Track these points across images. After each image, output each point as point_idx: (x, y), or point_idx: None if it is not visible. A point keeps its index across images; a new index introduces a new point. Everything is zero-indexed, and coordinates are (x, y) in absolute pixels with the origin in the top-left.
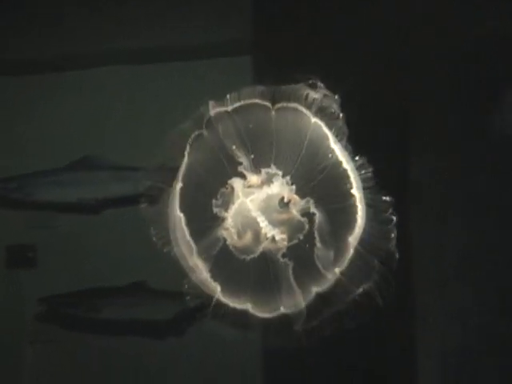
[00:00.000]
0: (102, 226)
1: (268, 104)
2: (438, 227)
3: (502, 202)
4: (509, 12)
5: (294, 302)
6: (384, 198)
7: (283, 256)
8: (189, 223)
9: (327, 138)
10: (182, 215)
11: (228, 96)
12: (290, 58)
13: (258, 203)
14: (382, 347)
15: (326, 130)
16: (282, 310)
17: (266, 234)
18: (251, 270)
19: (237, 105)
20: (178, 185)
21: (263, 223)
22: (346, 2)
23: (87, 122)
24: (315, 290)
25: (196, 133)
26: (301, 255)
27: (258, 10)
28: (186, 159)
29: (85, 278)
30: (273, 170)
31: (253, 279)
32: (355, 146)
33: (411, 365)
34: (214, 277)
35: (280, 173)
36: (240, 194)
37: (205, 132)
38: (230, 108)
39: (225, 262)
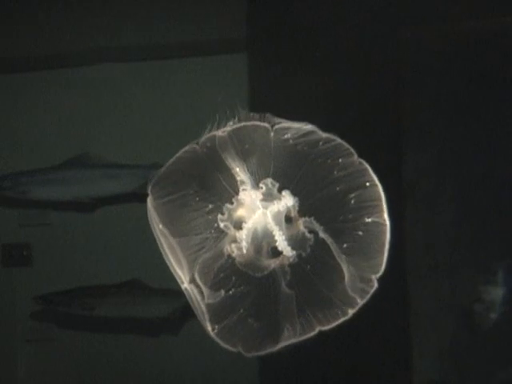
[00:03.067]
0: (97, 224)
1: (267, 125)
2: (430, 221)
3: (491, 195)
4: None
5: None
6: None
7: (287, 285)
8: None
9: (351, 154)
10: (165, 230)
11: (226, 117)
12: (284, 55)
13: (273, 215)
14: (375, 339)
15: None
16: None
17: (268, 249)
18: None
19: (235, 126)
20: (151, 198)
21: (280, 237)
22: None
23: (82, 121)
24: (319, 328)
25: (187, 147)
26: (305, 285)
27: (253, 7)
28: (164, 170)
29: (79, 276)
30: (270, 181)
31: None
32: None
33: (405, 358)
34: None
35: (276, 184)
36: (259, 205)
37: (197, 147)
38: (227, 129)
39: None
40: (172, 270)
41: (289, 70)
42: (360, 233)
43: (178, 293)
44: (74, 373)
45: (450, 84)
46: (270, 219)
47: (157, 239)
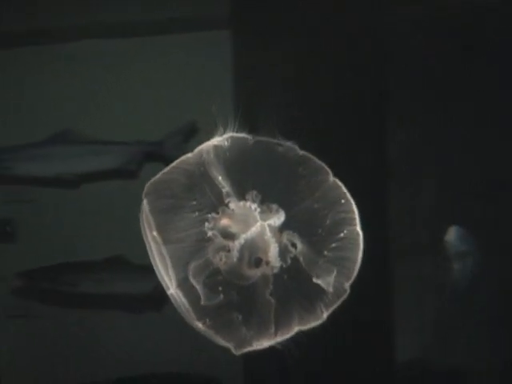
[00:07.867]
0: (81, 201)
1: (249, 137)
2: (413, 199)
3: (472, 173)
4: None
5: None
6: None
7: (270, 294)
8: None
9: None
10: (158, 237)
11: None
12: (268, 32)
13: (269, 228)
14: (357, 317)
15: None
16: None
17: (252, 259)
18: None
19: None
20: (147, 201)
21: (275, 249)
22: None
23: (66, 96)
24: (297, 328)
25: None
26: (286, 291)
27: None
28: (159, 176)
29: (63, 253)
30: (254, 194)
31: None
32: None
33: (388, 335)
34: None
35: (259, 196)
36: (258, 217)
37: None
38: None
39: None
40: (158, 275)
41: (274, 48)
42: (335, 245)
43: None
44: (56, 350)
45: (434, 63)
46: (267, 232)
47: (147, 244)
